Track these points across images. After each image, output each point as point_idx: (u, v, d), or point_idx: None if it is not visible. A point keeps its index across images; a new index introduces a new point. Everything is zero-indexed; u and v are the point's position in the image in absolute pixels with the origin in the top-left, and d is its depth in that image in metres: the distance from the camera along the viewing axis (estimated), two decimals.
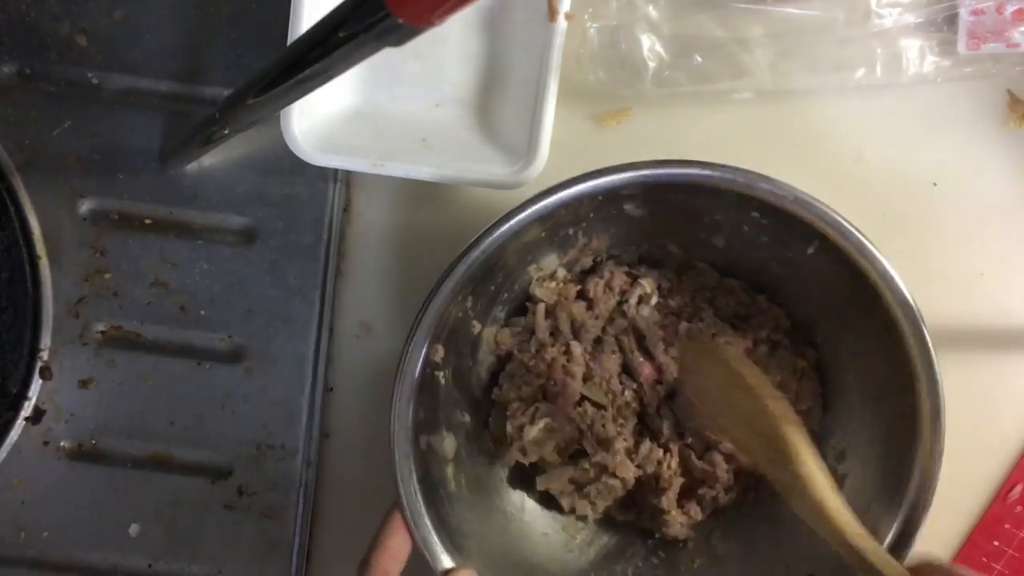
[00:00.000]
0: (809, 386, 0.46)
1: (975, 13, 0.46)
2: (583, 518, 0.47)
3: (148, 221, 0.49)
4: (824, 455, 0.45)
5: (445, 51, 0.48)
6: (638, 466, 0.45)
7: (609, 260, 0.47)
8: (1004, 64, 0.47)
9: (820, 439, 0.46)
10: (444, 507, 0.42)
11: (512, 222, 0.40)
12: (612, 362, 0.46)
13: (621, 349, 0.46)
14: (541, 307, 0.46)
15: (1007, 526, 0.49)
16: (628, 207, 0.43)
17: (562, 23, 0.44)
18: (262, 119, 0.41)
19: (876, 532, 0.40)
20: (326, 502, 0.50)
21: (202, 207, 0.49)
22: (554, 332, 0.46)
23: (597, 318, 0.46)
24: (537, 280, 0.46)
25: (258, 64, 0.35)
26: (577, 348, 0.46)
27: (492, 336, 0.47)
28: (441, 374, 0.43)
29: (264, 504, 0.49)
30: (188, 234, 0.49)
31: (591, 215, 0.43)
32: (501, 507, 0.46)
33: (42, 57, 0.49)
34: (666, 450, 0.46)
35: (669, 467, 0.45)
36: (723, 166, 0.40)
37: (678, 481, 0.46)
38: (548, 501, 0.47)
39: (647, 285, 0.46)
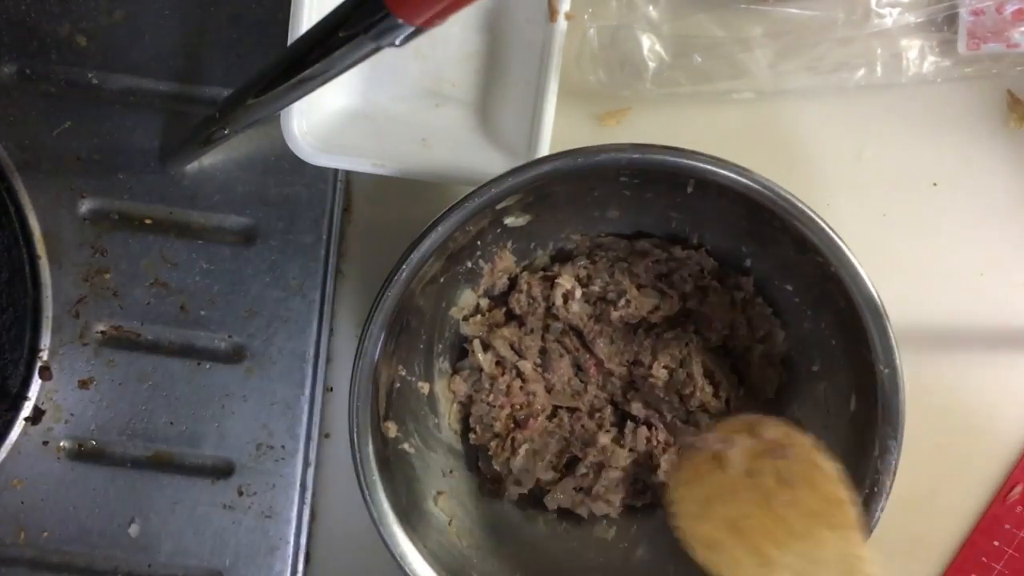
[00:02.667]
0: (757, 311, 0.46)
1: (975, 13, 0.46)
2: (606, 517, 0.47)
3: (148, 221, 0.49)
4: (799, 368, 0.45)
5: (445, 51, 0.48)
6: (630, 450, 0.46)
7: (523, 272, 0.47)
8: (1004, 64, 0.47)
9: (793, 355, 0.46)
10: (461, 567, 0.42)
11: (405, 270, 0.39)
12: (564, 364, 0.46)
13: (567, 350, 0.46)
14: (477, 343, 0.46)
15: (1007, 526, 0.49)
16: (509, 220, 0.43)
17: (562, 23, 0.44)
18: (262, 119, 0.41)
19: (862, 443, 0.41)
20: (326, 502, 0.50)
21: (202, 207, 0.49)
22: (499, 360, 0.46)
23: (532, 331, 0.46)
24: (463, 320, 0.47)
25: (258, 64, 0.35)
26: (526, 366, 0.46)
27: (445, 388, 0.47)
28: (406, 445, 0.44)
29: (264, 504, 0.49)
30: (188, 234, 0.49)
31: (479, 241, 0.44)
32: (525, 540, 0.46)
33: (42, 57, 0.49)
34: (650, 426, 0.46)
35: (657, 441, 0.46)
36: (565, 153, 0.39)
37: (672, 452, 0.46)
38: (567, 515, 0.47)
39: (565, 282, 0.46)
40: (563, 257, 0.47)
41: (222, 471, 0.49)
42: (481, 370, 0.46)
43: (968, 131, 0.49)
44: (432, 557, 0.41)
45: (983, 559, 0.49)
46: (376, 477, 0.41)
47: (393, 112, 0.48)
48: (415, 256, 0.39)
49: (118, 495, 0.49)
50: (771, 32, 0.47)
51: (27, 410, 0.49)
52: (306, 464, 0.49)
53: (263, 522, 0.49)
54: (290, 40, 0.44)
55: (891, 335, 0.40)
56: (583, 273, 0.46)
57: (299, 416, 0.49)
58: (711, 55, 0.47)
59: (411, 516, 0.42)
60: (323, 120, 0.46)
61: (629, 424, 0.46)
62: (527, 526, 0.47)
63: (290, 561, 0.49)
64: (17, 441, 0.49)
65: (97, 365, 0.49)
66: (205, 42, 0.49)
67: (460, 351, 0.47)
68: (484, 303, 0.47)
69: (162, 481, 0.49)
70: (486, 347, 0.46)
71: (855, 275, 0.39)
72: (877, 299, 0.39)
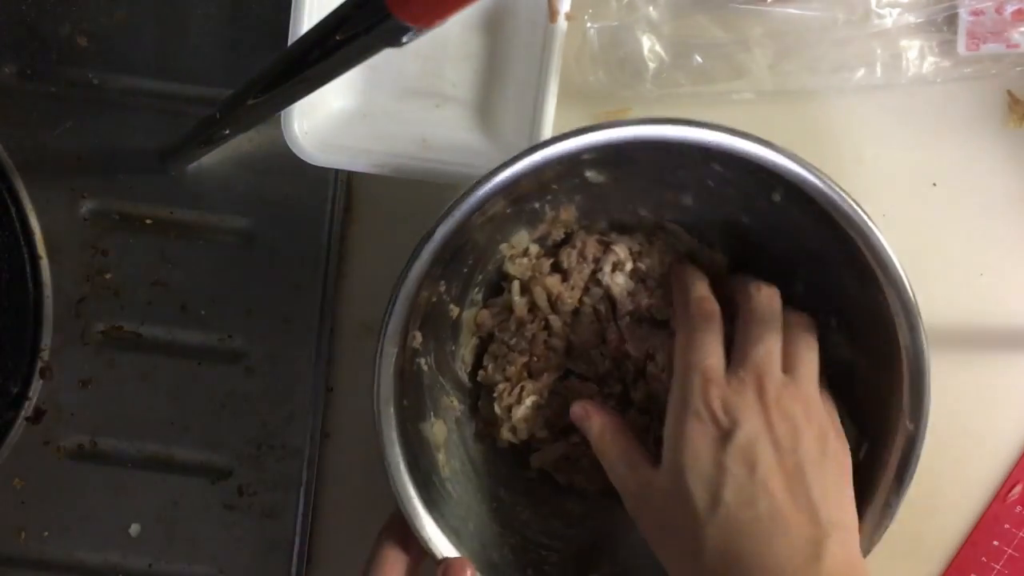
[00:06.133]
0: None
1: (975, 13, 0.46)
2: (582, 491, 0.47)
3: (148, 221, 0.49)
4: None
5: (445, 51, 0.48)
6: None
7: (581, 230, 0.47)
8: (1004, 64, 0.47)
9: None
10: (437, 493, 0.42)
11: (472, 199, 0.39)
12: (591, 331, 0.46)
13: (598, 319, 0.46)
14: (516, 284, 0.46)
15: (1007, 526, 0.49)
16: (590, 174, 0.43)
17: (562, 23, 0.44)
18: (263, 119, 0.41)
19: (881, 456, 0.40)
20: (326, 502, 0.50)
21: (202, 207, 0.49)
22: (532, 308, 0.46)
23: (573, 288, 0.46)
24: (510, 258, 0.46)
25: (259, 64, 0.35)
26: (556, 321, 0.46)
27: (472, 318, 0.46)
28: (423, 360, 0.43)
29: (264, 504, 0.49)
30: (188, 234, 0.49)
31: (554, 186, 0.43)
32: (499, 488, 0.46)
33: (43, 57, 0.49)
34: (651, 416, 0.46)
35: (655, 432, 0.45)
36: (674, 120, 0.39)
37: None
38: (548, 479, 0.47)
39: (620, 251, 0.45)
40: (623, 229, 0.47)
41: (222, 471, 0.49)
42: (511, 311, 0.46)
43: (968, 131, 0.49)
44: (415, 471, 0.41)
45: (983, 559, 0.49)
46: (391, 379, 0.40)
47: (393, 112, 0.48)
48: (484, 189, 0.39)
49: (118, 495, 0.49)
50: (771, 32, 0.47)
51: (28, 410, 0.49)
52: (306, 464, 0.49)
53: (263, 522, 0.49)
54: (291, 40, 0.44)
55: (928, 394, 0.39)
56: (636, 249, 0.46)
57: (299, 416, 0.49)
58: (711, 55, 0.47)
59: (408, 431, 0.42)
60: (323, 120, 0.46)
61: (632, 411, 0.46)
62: (510, 479, 0.47)
63: (290, 561, 0.49)
64: (18, 441, 0.49)
65: (98, 365, 0.49)
66: (206, 42, 0.49)
67: (496, 287, 0.47)
68: (534, 249, 0.46)
69: (162, 481, 0.49)
70: (524, 291, 0.46)
71: (915, 326, 0.39)
72: (926, 356, 0.39)
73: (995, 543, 0.49)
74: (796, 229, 0.42)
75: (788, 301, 0.45)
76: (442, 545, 0.41)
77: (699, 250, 0.46)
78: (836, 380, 0.44)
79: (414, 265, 0.40)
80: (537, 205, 0.44)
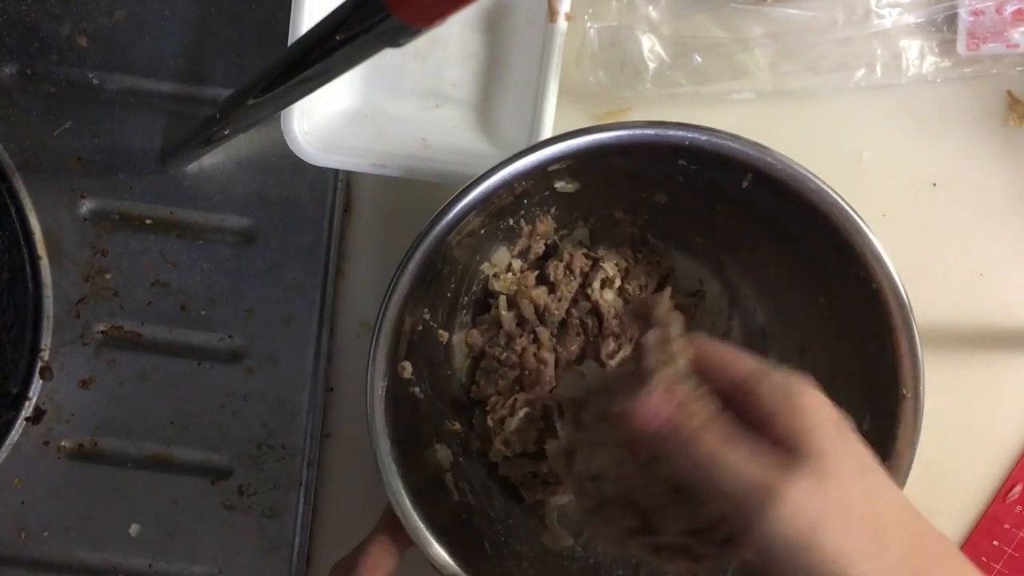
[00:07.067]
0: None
1: (975, 13, 0.46)
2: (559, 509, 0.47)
3: (148, 221, 0.49)
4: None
5: (445, 51, 0.48)
6: None
7: (566, 243, 0.47)
8: (1004, 64, 0.47)
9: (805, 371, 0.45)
10: (447, 515, 0.42)
11: (443, 221, 0.39)
12: (576, 344, 0.46)
13: (584, 332, 0.46)
14: (502, 299, 0.46)
15: (1007, 526, 0.49)
16: (559, 184, 0.43)
17: (562, 23, 0.44)
18: (263, 119, 0.41)
19: (884, 428, 0.40)
20: (326, 502, 0.50)
21: (202, 207, 0.49)
22: (520, 322, 0.46)
23: (560, 300, 0.46)
24: (494, 276, 0.47)
25: (259, 65, 0.35)
26: (544, 333, 0.46)
27: (463, 341, 0.47)
28: (417, 389, 0.43)
29: (264, 504, 0.49)
30: (188, 234, 0.49)
31: (526, 200, 0.43)
32: (510, 504, 0.46)
33: (43, 58, 0.49)
34: None
35: None
36: (633, 123, 0.39)
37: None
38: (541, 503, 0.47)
39: (609, 268, 0.46)
40: (605, 237, 0.47)
41: (222, 471, 0.49)
42: (500, 327, 0.46)
43: (968, 131, 0.49)
44: (421, 497, 0.41)
45: (983, 559, 0.49)
46: (383, 411, 0.40)
47: (393, 112, 0.48)
48: (456, 208, 0.39)
49: (118, 495, 0.49)
50: (771, 32, 0.47)
51: (28, 410, 0.49)
52: (307, 464, 0.50)
53: (263, 522, 0.49)
54: (291, 40, 0.44)
55: (920, 361, 0.39)
56: (623, 265, 0.46)
57: (299, 416, 0.49)
58: (711, 56, 0.47)
59: (409, 459, 0.42)
60: (323, 120, 0.46)
61: None
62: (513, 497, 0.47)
63: (290, 561, 0.49)
64: (18, 441, 0.49)
65: (97, 365, 0.49)
66: (206, 42, 0.49)
67: (484, 307, 0.47)
68: (517, 264, 0.47)
69: (162, 481, 0.49)
70: (511, 305, 0.46)
71: (897, 294, 0.39)
72: (913, 323, 0.39)
73: (995, 543, 0.49)
74: (771, 214, 0.42)
75: (774, 284, 0.45)
76: (454, 569, 0.41)
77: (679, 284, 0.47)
78: (831, 355, 0.44)
79: (394, 294, 0.40)
80: (512, 221, 0.45)
